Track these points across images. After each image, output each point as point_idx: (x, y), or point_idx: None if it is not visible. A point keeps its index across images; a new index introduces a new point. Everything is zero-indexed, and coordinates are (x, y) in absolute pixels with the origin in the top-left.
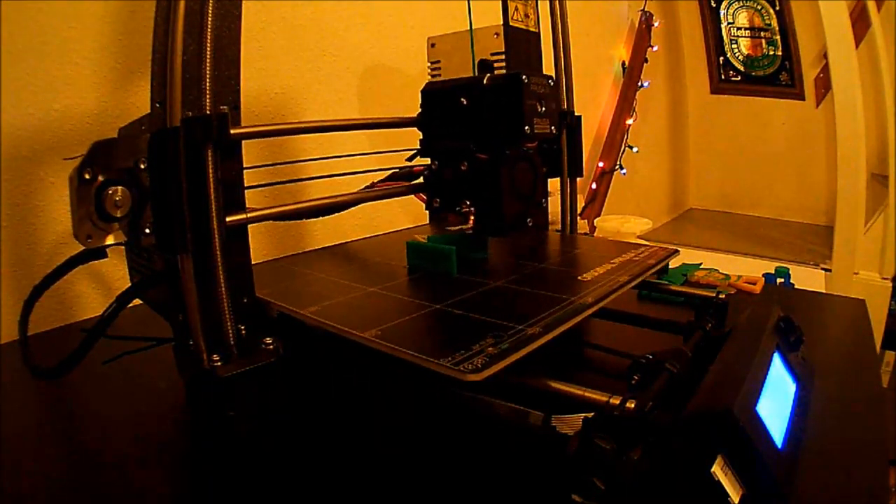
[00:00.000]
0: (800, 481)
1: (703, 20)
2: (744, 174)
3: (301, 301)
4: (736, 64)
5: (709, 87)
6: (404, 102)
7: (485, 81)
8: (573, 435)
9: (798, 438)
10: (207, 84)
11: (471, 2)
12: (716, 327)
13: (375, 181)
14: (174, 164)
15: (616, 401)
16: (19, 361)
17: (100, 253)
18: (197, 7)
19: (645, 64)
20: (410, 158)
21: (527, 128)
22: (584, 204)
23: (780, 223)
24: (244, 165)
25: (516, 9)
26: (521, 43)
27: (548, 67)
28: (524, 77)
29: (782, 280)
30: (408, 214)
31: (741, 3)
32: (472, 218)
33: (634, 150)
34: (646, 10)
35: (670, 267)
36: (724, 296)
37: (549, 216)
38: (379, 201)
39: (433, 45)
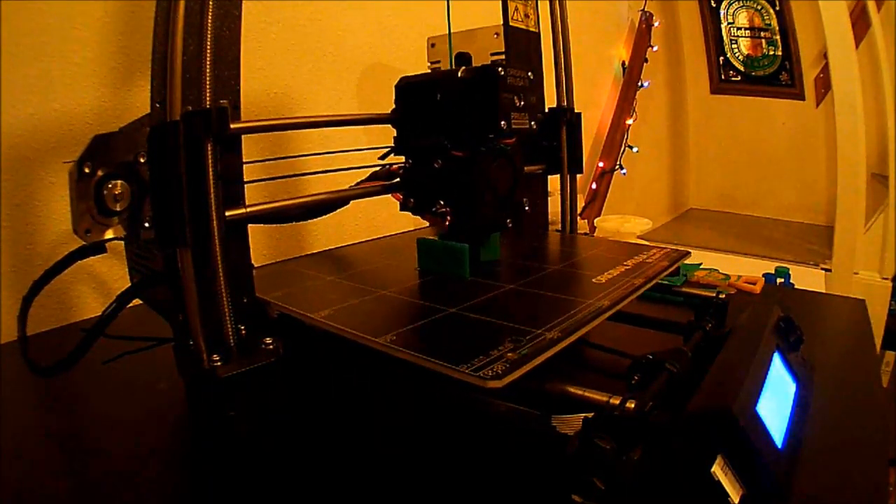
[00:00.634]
0: (800, 481)
1: (703, 20)
2: (744, 174)
3: (313, 305)
4: (736, 64)
5: (709, 87)
6: None
7: (459, 74)
8: (573, 435)
9: (798, 438)
10: (207, 84)
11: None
12: (716, 327)
13: (360, 180)
14: (174, 157)
15: (616, 401)
16: (20, 362)
17: (99, 248)
18: (197, 7)
19: (645, 64)
20: (384, 157)
21: (503, 122)
22: (584, 204)
23: (780, 223)
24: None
25: (516, 9)
26: (521, 43)
27: (548, 67)
28: (500, 70)
29: (782, 280)
30: (409, 216)
31: (741, 3)
32: (448, 218)
33: (634, 150)
34: (646, 10)
35: None
36: (724, 296)
37: (549, 216)
38: (380, 204)
39: (433, 45)
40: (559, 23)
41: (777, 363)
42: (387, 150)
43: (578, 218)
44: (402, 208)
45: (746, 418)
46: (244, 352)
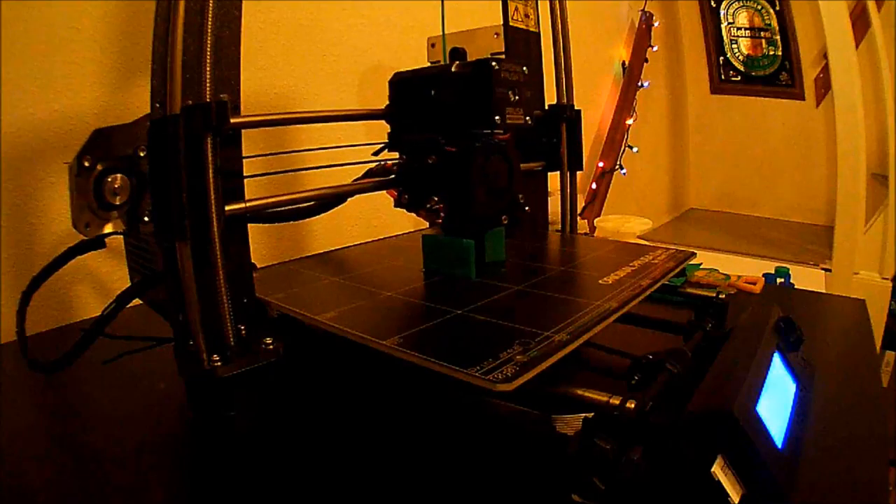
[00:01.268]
0: (800, 481)
1: (703, 20)
2: (744, 174)
3: (317, 306)
4: (736, 64)
5: (709, 87)
6: None
7: (453, 69)
8: (573, 435)
9: (798, 438)
10: (207, 82)
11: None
12: (716, 327)
13: (356, 178)
14: (174, 151)
15: (616, 401)
16: (20, 362)
17: (99, 243)
18: (197, 7)
19: (645, 64)
20: (378, 153)
21: (497, 117)
22: (584, 204)
23: (780, 223)
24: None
25: (516, 9)
26: (521, 43)
27: (548, 67)
28: (494, 64)
29: (782, 280)
30: (410, 218)
31: (741, 3)
32: (442, 215)
33: (634, 150)
34: (646, 10)
35: None
36: (724, 296)
37: (549, 216)
38: (380, 204)
39: (433, 46)
40: (559, 23)
41: (777, 363)
42: (381, 146)
43: (578, 218)
44: (397, 205)
45: (746, 418)
46: (244, 352)
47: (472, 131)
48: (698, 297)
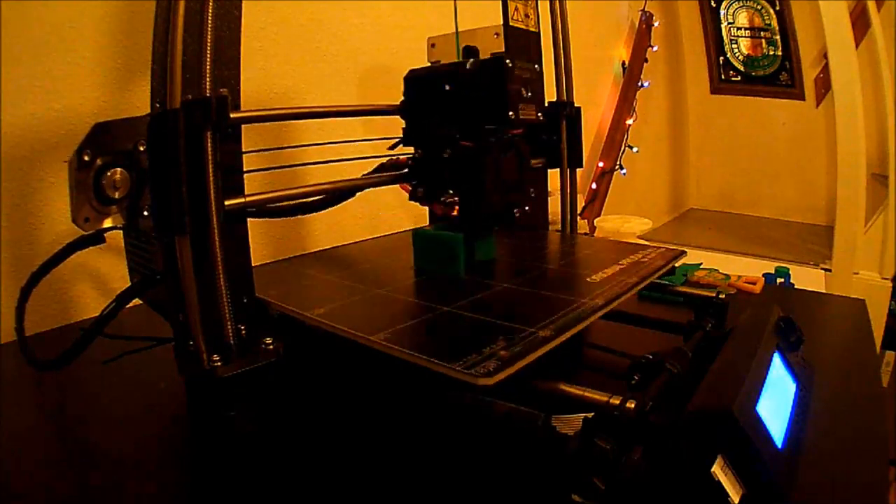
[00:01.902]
0: (800, 481)
1: (703, 20)
2: (744, 174)
3: (308, 303)
4: (736, 64)
5: (709, 87)
6: None
7: (468, 66)
8: (573, 435)
9: (798, 438)
10: (207, 81)
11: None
12: (716, 327)
13: (366, 172)
14: (174, 145)
15: (616, 401)
16: (20, 362)
17: (98, 238)
18: (197, 7)
19: (645, 64)
20: (393, 147)
21: (511, 113)
22: (584, 204)
23: (780, 223)
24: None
25: (516, 9)
26: (521, 43)
27: (548, 67)
28: (508, 61)
29: (782, 280)
30: (409, 216)
31: (741, 3)
32: (456, 208)
33: (634, 150)
34: (646, 10)
35: None
36: (724, 296)
37: (549, 216)
38: (379, 203)
39: (433, 46)
40: (559, 23)
41: (777, 363)
42: (396, 140)
43: (578, 218)
44: (411, 198)
45: (746, 419)
46: (244, 352)
47: (486, 126)
48: (698, 297)
